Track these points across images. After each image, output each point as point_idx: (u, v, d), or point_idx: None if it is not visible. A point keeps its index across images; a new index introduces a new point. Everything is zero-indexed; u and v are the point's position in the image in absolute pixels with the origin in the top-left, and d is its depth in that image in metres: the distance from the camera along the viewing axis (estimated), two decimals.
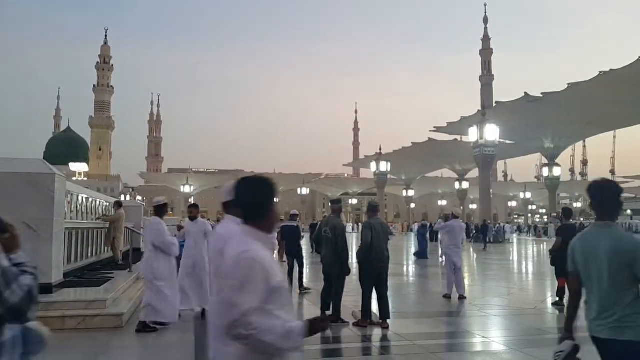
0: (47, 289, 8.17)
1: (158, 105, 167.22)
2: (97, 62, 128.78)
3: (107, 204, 15.91)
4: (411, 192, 73.78)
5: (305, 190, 79.55)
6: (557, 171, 46.07)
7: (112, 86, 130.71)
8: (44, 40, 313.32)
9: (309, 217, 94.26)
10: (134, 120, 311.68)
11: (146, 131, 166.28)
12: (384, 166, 54.68)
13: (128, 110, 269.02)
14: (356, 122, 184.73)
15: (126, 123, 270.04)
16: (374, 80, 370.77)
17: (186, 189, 78.13)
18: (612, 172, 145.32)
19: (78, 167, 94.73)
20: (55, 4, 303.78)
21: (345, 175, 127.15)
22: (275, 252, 12.54)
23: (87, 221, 12.94)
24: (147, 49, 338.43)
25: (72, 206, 11.58)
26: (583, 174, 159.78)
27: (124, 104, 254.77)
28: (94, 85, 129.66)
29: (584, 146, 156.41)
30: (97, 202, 14.71)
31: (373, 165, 56.36)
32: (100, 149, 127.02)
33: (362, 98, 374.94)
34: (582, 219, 67.66)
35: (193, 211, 9.18)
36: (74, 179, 72.74)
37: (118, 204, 13.89)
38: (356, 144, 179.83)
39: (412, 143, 63.02)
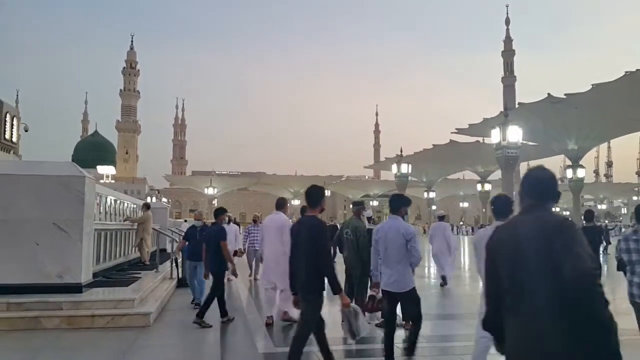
0: (77, 288, 8.40)
1: (183, 109, 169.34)
2: (124, 67, 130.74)
3: (134, 205, 16.20)
4: (432, 194, 73.25)
5: (326, 192, 79.40)
6: (581, 173, 45.20)
7: (138, 91, 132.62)
8: (71, 46, 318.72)
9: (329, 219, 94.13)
10: (159, 124, 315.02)
11: (171, 135, 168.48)
12: (405, 168, 54.31)
13: (153, 114, 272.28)
14: (377, 124, 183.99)
15: (152, 127, 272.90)
16: (394, 82, 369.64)
17: (210, 191, 78.93)
18: (639, 173, 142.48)
19: (105, 170, 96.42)
20: (83, 10, 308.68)
21: (366, 177, 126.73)
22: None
23: (115, 222, 13.21)
24: (171, 54, 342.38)
25: (101, 208, 11.85)
26: (608, 176, 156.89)
27: (149, 108, 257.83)
28: (121, 90, 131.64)
29: (609, 147, 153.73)
30: (125, 204, 15.00)
31: (394, 167, 56.03)
32: (126, 152, 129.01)
33: (383, 100, 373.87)
34: (606, 221, 66.38)
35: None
36: (101, 181, 73.97)
37: (146, 206, 14.21)
38: (377, 146, 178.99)
39: (433, 145, 62.52)
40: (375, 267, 5.90)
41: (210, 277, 8.45)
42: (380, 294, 5.83)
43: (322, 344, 5.24)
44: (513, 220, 2.55)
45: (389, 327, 5.74)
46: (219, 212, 9.16)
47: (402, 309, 5.76)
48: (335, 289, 4.79)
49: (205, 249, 8.68)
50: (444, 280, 13.27)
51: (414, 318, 5.67)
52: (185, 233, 10.17)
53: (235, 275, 8.81)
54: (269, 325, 8.23)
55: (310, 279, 4.91)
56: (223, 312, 8.48)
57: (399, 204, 5.95)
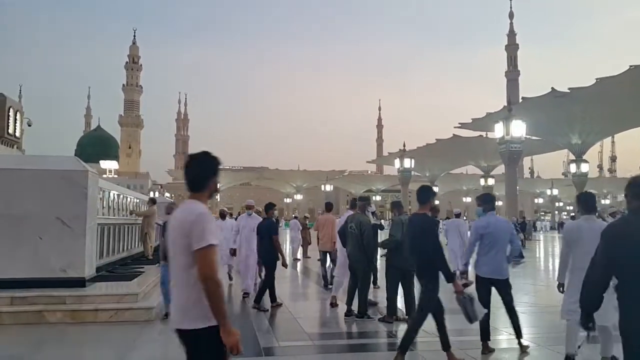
0: (80, 282, 8.42)
1: (185, 104, 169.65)
2: (126, 62, 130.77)
3: (137, 200, 16.22)
4: (435, 189, 72.79)
5: (329, 187, 79.64)
6: (584, 167, 45.06)
7: (140, 85, 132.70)
8: (74, 41, 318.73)
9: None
10: (162, 119, 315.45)
11: (174, 129, 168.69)
12: (408, 163, 54.23)
13: (156, 108, 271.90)
14: (380, 119, 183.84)
15: (154, 121, 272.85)
16: (397, 76, 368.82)
17: None
18: None
19: (108, 165, 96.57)
20: (85, 5, 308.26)
21: (369, 172, 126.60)
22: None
23: (118, 217, 13.21)
24: (174, 49, 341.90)
25: (104, 202, 11.85)
26: (612, 171, 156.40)
27: (152, 102, 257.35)
28: (123, 85, 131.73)
29: (613, 142, 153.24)
30: (128, 199, 15.01)
31: (397, 162, 55.96)
32: (129, 147, 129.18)
33: (386, 95, 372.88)
34: (609, 216, 66.11)
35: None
36: (104, 176, 74.09)
37: (152, 201, 14.27)
38: (380, 140, 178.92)
39: (436, 139, 62.36)
40: (467, 259, 6.63)
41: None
42: (468, 281, 6.47)
43: (441, 329, 5.85)
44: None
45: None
46: (269, 207, 9.72)
47: (500, 293, 6.34)
48: (448, 277, 5.49)
49: (259, 241, 9.40)
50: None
51: (509, 301, 6.35)
52: (161, 230, 9.96)
53: (285, 266, 9.43)
54: (333, 305, 9.19)
55: (424, 268, 5.65)
56: (273, 298, 9.20)
57: (493, 201, 6.74)
